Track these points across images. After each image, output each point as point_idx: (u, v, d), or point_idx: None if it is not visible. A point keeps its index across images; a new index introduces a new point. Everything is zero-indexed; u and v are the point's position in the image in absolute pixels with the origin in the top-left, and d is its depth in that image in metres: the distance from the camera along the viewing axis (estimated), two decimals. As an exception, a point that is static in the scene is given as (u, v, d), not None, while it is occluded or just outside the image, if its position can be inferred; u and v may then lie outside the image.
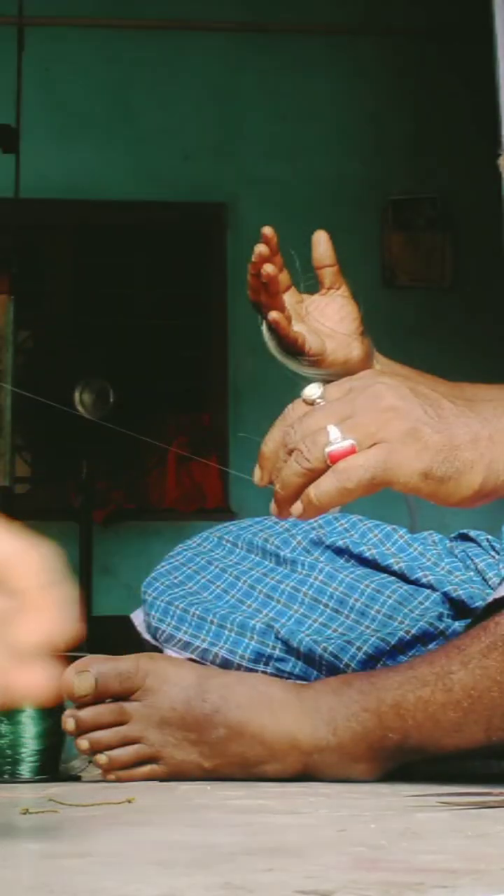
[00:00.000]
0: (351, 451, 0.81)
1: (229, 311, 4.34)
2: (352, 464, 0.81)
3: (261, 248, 1.11)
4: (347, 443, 0.81)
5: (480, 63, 2.95)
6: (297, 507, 0.83)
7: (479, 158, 3.47)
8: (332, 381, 1.16)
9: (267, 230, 1.13)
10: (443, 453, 0.81)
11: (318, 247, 1.21)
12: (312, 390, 0.87)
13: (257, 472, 0.89)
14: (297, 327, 1.15)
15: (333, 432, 0.82)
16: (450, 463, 0.81)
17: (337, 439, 0.81)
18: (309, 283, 1.14)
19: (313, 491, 0.82)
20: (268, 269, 1.10)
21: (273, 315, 1.11)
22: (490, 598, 0.95)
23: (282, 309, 1.13)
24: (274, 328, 1.13)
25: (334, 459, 0.81)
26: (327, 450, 0.81)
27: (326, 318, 1.20)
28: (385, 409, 0.82)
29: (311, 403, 0.87)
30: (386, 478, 0.81)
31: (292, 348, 1.13)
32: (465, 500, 0.83)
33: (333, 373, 1.19)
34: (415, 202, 4.49)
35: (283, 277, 1.15)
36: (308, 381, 1.04)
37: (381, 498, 1.43)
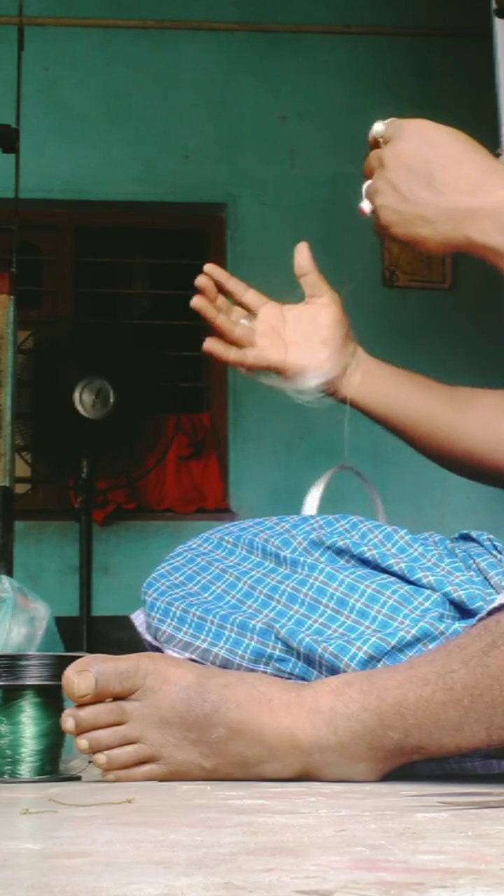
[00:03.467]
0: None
1: (229, 311, 4.35)
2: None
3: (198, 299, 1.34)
4: (365, 206, 1.15)
5: (481, 63, 2.95)
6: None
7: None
8: (323, 395, 1.27)
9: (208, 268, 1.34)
10: (402, 227, 1.10)
11: (297, 257, 1.34)
12: (377, 128, 1.16)
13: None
14: (262, 342, 1.31)
15: (364, 188, 1.16)
16: (407, 232, 1.11)
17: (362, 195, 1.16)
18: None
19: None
20: (196, 303, 1.33)
21: (206, 345, 1.35)
22: (494, 604, 0.95)
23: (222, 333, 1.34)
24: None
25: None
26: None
27: (301, 324, 1.28)
28: (382, 178, 1.12)
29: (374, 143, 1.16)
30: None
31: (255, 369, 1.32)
32: (430, 252, 1.11)
33: (309, 387, 1.28)
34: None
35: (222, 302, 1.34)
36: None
37: (382, 499, 1.43)
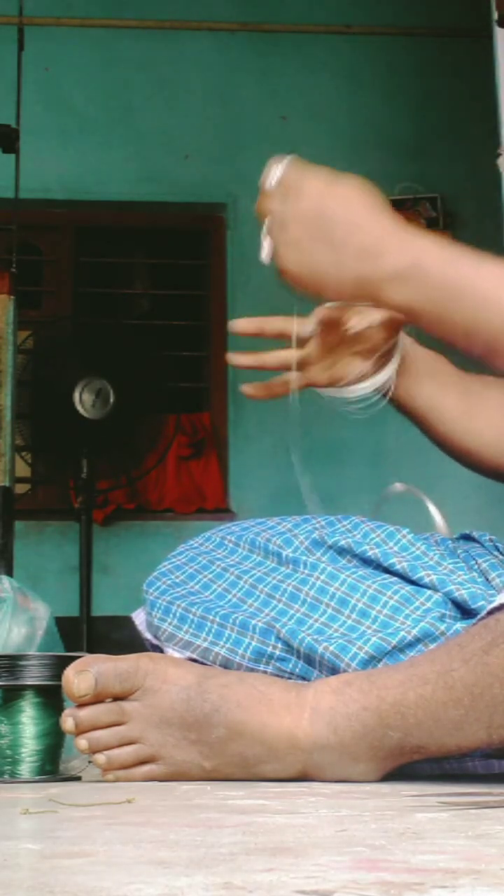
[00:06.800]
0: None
1: (229, 311, 4.34)
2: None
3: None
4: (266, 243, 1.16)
5: (481, 63, 2.95)
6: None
7: (479, 158, 3.47)
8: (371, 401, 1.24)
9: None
10: (308, 281, 1.12)
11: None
12: (274, 174, 1.22)
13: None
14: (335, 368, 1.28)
15: (265, 234, 1.16)
16: (313, 287, 1.12)
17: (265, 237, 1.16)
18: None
19: None
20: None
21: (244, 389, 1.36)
22: (494, 604, 0.95)
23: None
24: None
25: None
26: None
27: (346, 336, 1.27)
28: (285, 233, 1.14)
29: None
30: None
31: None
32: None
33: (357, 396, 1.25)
34: (415, 202, 4.49)
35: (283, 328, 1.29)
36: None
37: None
